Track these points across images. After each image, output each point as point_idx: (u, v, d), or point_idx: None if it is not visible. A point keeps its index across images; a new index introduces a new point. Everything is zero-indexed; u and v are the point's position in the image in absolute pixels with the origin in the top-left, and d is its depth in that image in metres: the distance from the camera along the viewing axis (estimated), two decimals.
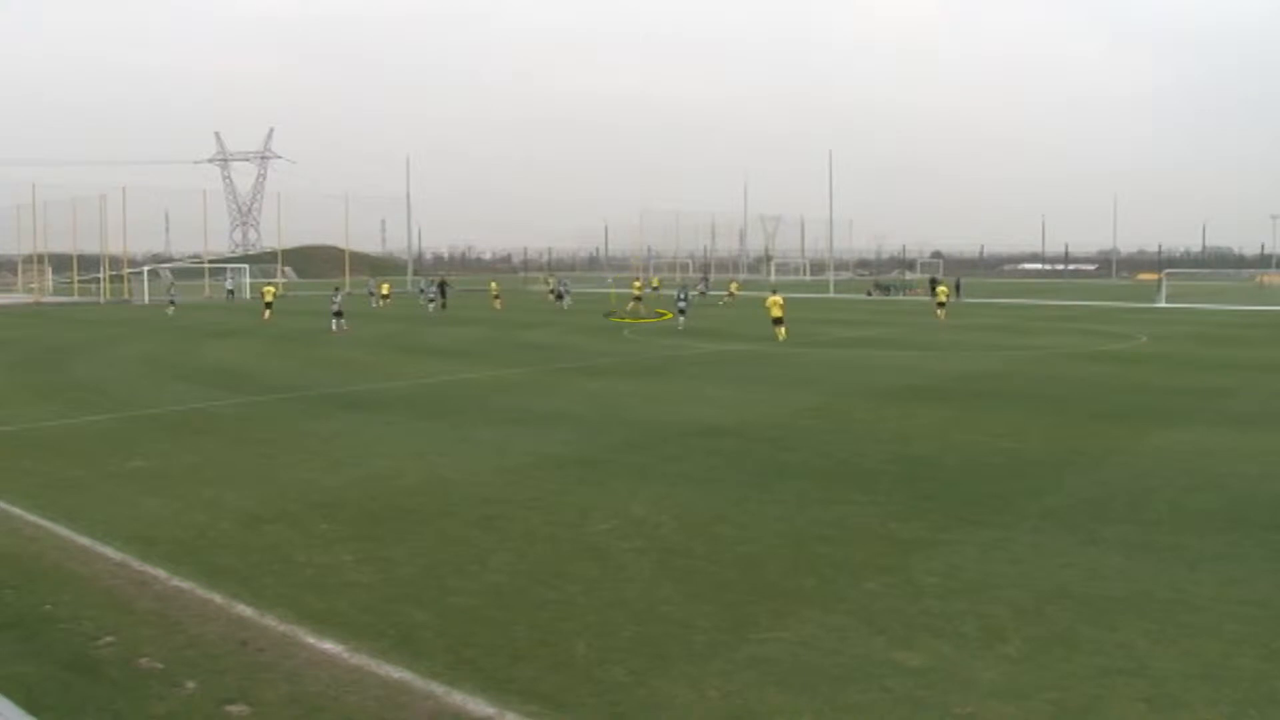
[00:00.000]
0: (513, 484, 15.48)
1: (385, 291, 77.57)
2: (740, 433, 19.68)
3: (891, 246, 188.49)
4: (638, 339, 42.57)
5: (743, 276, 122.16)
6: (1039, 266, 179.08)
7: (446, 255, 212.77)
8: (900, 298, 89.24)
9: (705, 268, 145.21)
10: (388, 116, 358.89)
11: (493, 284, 77.64)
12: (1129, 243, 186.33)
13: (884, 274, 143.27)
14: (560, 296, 73.17)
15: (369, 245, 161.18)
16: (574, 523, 13.17)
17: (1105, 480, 15.60)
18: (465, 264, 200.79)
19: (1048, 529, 12.75)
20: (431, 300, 67.93)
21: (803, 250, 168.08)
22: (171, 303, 70.38)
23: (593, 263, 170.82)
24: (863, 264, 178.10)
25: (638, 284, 71.66)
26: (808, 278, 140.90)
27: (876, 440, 18.89)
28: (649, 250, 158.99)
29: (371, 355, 36.79)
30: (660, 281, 76.53)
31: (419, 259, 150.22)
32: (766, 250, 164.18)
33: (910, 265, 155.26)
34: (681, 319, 48.25)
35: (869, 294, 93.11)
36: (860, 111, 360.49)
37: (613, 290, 76.62)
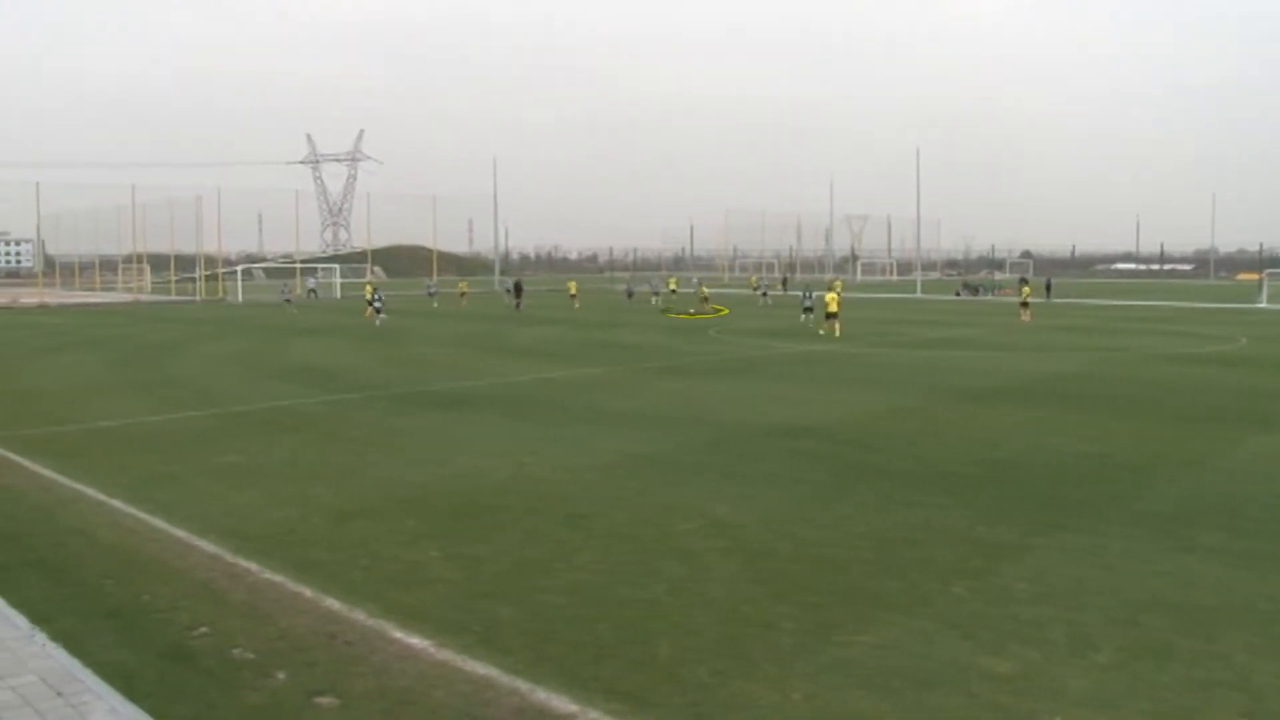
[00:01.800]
0: (597, 483, 15.55)
1: (464, 290, 78.22)
2: (824, 433, 19.56)
3: (980, 246, 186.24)
4: (722, 339, 42.48)
5: (828, 276, 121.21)
6: (1133, 266, 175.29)
7: (533, 255, 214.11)
8: (989, 298, 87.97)
9: (789, 268, 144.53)
10: (476, 118, 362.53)
11: (571, 284, 78.04)
12: (1228, 241, 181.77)
13: (972, 274, 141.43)
14: (630, 294, 73.23)
15: (456, 245, 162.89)
16: (658, 522, 13.20)
17: (1200, 486, 15.25)
18: (551, 264, 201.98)
19: (1140, 535, 12.49)
20: (509, 292, 68.48)
21: (889, 250, 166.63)
22: (287, 300, 71.89)
23: (678, 263, 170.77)
24: (951, 264, 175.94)
25: (673, 282, 71.83)
26: (894, 278, 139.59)
27: (962, 442, 18.66)
28: (734, 250, 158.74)
29: (456, 354, 37.17)
30: (677, 282, 76.36)
31: (505, 259, 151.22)
32: (853, 250, 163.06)
33: (999, 265, 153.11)
34: (806, 317, 48.08)
35: (957, 294, 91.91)
36: (948, 109, 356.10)
37: (702, 288, 76.46)
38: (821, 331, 43.69)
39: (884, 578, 10.90)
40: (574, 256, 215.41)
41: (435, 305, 73.54)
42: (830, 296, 44.78)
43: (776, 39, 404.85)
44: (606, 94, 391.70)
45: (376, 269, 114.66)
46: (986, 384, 27.34)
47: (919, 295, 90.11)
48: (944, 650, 8.84)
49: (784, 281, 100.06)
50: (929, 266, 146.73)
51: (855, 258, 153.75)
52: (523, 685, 8.17)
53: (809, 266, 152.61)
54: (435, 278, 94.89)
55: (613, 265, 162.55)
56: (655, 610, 9.95)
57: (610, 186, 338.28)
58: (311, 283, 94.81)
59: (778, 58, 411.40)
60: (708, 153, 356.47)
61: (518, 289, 69.67)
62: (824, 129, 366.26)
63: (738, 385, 27.47)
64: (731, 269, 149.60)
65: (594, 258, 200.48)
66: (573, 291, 72.70)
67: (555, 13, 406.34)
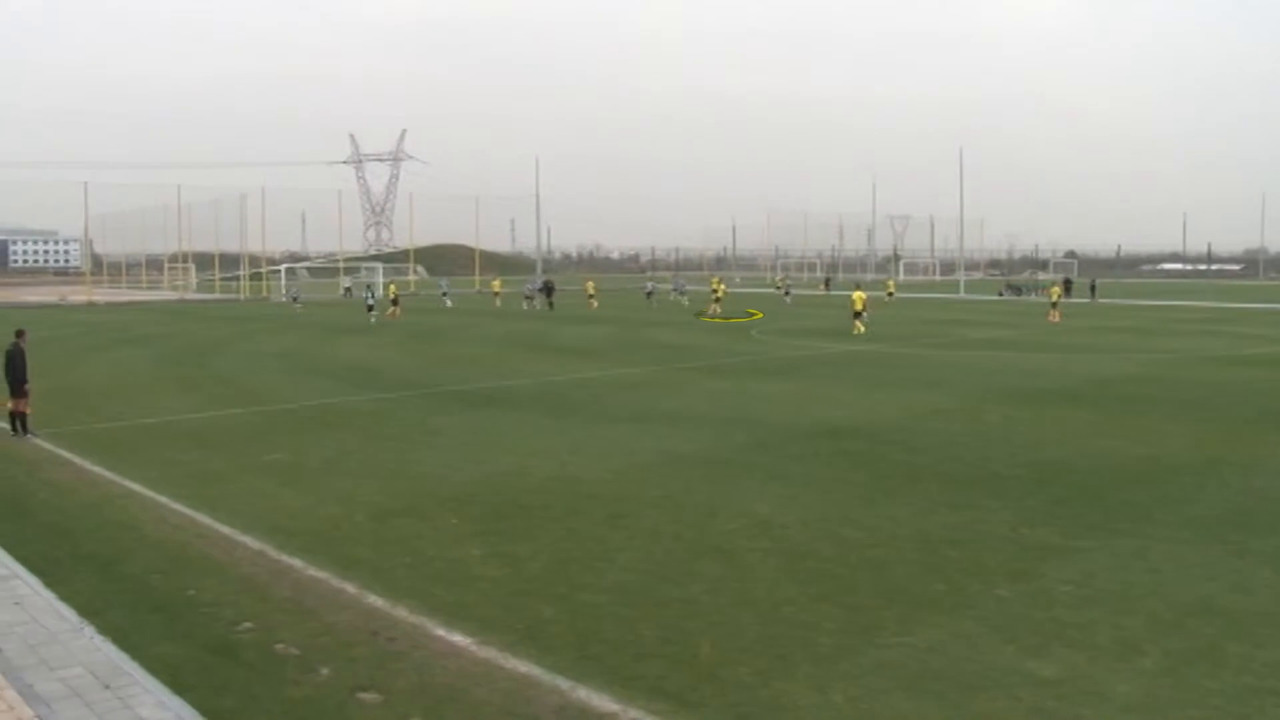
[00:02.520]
0: (639, 482, 15.56)
1: (497, 289, 78.42)
2: (867, 434, 19.46)
3: (1024, 246, 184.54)
4: (764, 339, 42.38)
5: (869, 276, 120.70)
6: (1179, 267, 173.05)
7: (575, 254, 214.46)
8: (1032, 298, 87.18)
9: (831, 268, 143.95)
10: (519, 117, 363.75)
11: (588, 284, 77.98)
12: (1279, 240, 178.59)
13: (1016, 274, 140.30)
14: (650, 294, 73.05)
15: (499, 244, 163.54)
16: (700, 522, 13.18)
17: (1253, 489, 15.04)
18: (593, 263, 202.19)
19: (1189, 539, 12.33)
20: (529, 298, 68.56)
21: (932, 250, 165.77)
22: (295, 299, 72.06)
23: (720, 262, 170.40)
24: (994, 264, 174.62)
25: (720, 286, 71.59)
26: (937, 278, 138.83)
27: (1007, 444, 18.50)
28: (776, 250, 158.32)
29: (497, 353, 37.29)
30: (719, 282, 76.46)
31: (547, 258, 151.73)
32: (895, 250, 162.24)
33: (1043, 265, 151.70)
34: (864, 316, 47.97)
35: (1000, 294, 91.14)
36: (992, 109, 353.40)
37: (721, 288, 76.14)
38: (855, 332, 43.65)
39: (927, 579, 10.83)
40: (615, 256, 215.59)
41: (449, 304, 73.69)
42: (857, 295, 44.98)
43: (821, 36, 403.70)
44: (650, 92, 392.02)
45: (419, 268, 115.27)
46: (1031, 385, 27.09)
47: (962, 295, 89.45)
48: (988, 653, 8.77)
49: (826, 282, 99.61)
50: (972, 266, 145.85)
51: (898, 258, 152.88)
52: (564, 684, 8.18)
53: (851, 267, 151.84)
54: (477, 276, 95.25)
55: (654, 265, 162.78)
56: (696, 610, 9.94)
57: (653, 186, 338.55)
58: (348, 281, 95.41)
59: (822, 55, 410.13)
60: (751, 152, 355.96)
61: (548, 289, 69.98)
62: (867, 128, 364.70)
63: (780, 385, 27.39)
64: (773, 269, 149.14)
65: (635, 257, 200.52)
66: (590, 291, 72.64)
67: (600, 11, 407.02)
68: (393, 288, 66.22)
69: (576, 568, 11.33)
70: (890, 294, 78.15)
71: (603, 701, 7.87)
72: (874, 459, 17.27)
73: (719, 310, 60.93)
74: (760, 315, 56.70)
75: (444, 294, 79.35)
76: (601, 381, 28.40)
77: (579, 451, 18.03)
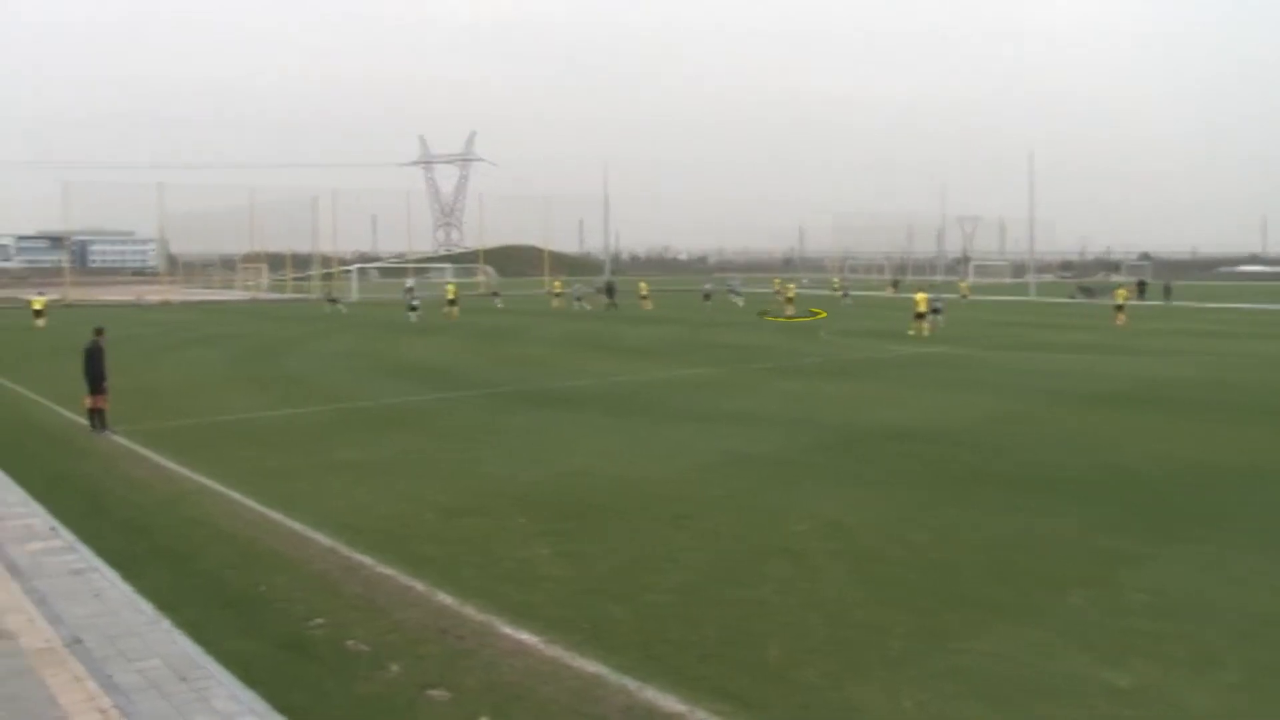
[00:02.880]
0: (705, 483, 15.54)
1: (557, 290, 78.70)
2: (936, 437, 19.29)
3: (1096, 247, 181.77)
4: (832, 340, 42.15)
5: (939, 278, 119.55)
6: (1259, 269, 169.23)
7: (643, 255, 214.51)
8: (1104, 301, 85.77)
9: (900, 270, 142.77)
10: (588, 118, 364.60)
11: (641, 284, 77.86)
12: None
13: (1088, 276, 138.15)
14: (707, 296, 72.64)
15: (568, 245, 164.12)
16: (766, 523, 13.14)
17: None
18: (662, 264, 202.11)
19: (1269, 548, 12.08)
20: (579, 299, 69.09)
21: (1002, 252, 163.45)
22: (334, 301, 72.09)
23: (788, 263, 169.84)
24: (1066, 266, 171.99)
25: (791, 287, 71.21)
26: (1007, 280, 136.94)
27: (1077, 448, 18.24)
28: (845, 252, 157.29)
29: (564, 353, 37.44)
30: (782, 283, 75.53)
31: (616, 259, 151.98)
32: (964, 252, 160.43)
33: (1115, 267, 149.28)
34: (939, 318, 47.62)
35: (1072, 297, 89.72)
36: (1065, 108, 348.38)
37: (789, 288, 75.66)
38: (911, 332, 43.40)
39: (997, 584, 10.71)
40: (684, 257, 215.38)
41: (499, 304, 73.94)
42: (920, 296, 44.89)
43: (888, 37, 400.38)
44: (718, 93, 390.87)
45: (488, 268, 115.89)
46: (1103, 388, 26.68)
47: (1033, 298, 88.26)
48: (1060, 661, 8.65)
49: (895, 284, 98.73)
50: (1043, 268, 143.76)
51: (967, 259, 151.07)
52: (631, 683, 8.20)
53: (920, 269, 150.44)
54: (547, 277, 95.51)
55: (722, 266, 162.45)
56: (764, 611, 9.91)
57: (721, 186, 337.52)
58: (410, 283, 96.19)
59: (889, 57, 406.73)
60: (819, 153, 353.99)
61: (611, 289, 70.42)
62: (936, 129, 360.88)
63: (848, 387, 27.22)
64: (841, 270, 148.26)
65: (704, 258, 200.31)
66: (643, 292, 72.56)
67: (668, 12, 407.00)
68: (450, 288, 66.69)
69: (643, 568, 11.34)
70: (964, 296, 77.42)
71: (669, 702, 7.87)
72: (942, 462, 17.12)
73: (791, 311, 60.73)
74: (824, 315, 56.42)
75: (494, 294, 79.75)
76: (667, 382, 28.40)
77: (645, 452, 18.05)
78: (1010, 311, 65.82)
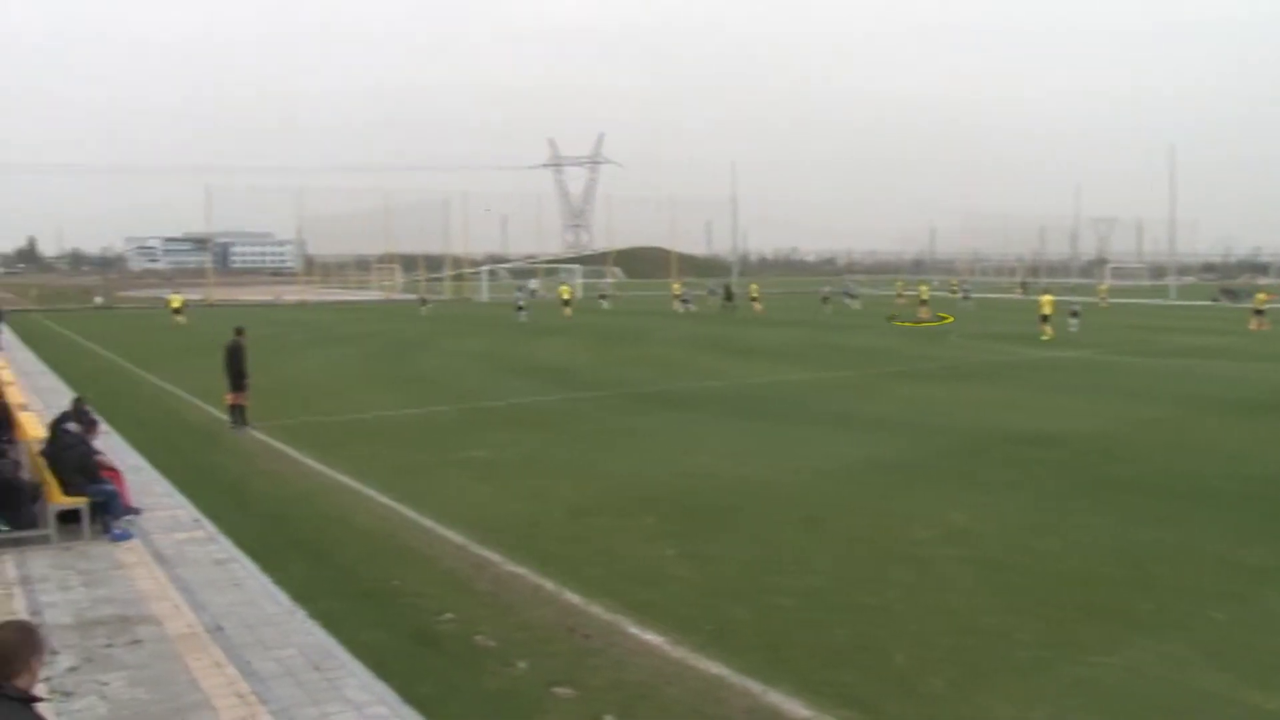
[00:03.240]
0: (832, 486, 15.42)
1: (678, 291, 78.61)
2: (1068, 443, 18.81)
3: (1242, 249, 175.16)
4: (961, 343, 41.41)
5: (1073, 281, 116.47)
6: None
7: (770, 257, 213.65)
8: (1249, 305, 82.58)
9: (1032, 272, 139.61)
10: (716, 119, 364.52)
11: (753, 286, 77.35)
12: None
13: (1232, 278, 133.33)
14: (826, 299, 71.80)
15: (695, 247, 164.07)
16: (894, 528, 12.98)
17: None
18: (789, 266, 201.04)
19: None
20: (686, 302, 69.54)
21: (1139, 254, 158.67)
22: (424, 301, 72.47)
23: (918, 266, 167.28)
24: (1208, 268, 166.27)
25: (924, 288, 70.09)
26: (1145, 282, 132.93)
27: (1218, 456, 17.62)
28: (975, 254, 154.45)
29: (688, 355, 37.45)
30: (904, 285, 73.72)
31: (743, 260, 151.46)
32: (1099, 254, 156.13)
33: (1263, 269, 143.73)
34: (1076, 322, 46.62)
35: (1215, 300, 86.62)
36: (1208, 104, 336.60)
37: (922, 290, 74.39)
38: (1043, 337, 42.39)
39: (1133, 596, 10.40)
40: (811, 259, 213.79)
41: (606, 305, 74.17)
42: (1045, 299, 44.00)
43: (1018, 35, 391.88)
44: (846, 93, 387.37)
45: (616, 269, 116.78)
46: (1246, 395, 25.72)
47: (1173, 301, 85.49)
48: (1201, 679, 8.36)
49: (1023, 286, 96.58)
50: (1184, 271, 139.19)
51: (1103, 262, 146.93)
52: (755, 686, 8.18)
53: (1053, 271, 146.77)
54: (674, 278, 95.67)
55: (851, 268, 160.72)
56: (890, 617, 9.80)
57: (850, 188, 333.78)
58: (534, 283, 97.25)
59: (1021, 54, 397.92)
60: (949, 153, 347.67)
61: (728, 292, 70.58)
62: (1069, 128, 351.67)
63: (978, 391, 26.71)
64: (972, 273, 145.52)
65: (831, 260, 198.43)
66: (754, 294, 72.09)
67: (794, 12, 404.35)
68: (564, 290, 67.74)
69: (768, 570, 11.30)
70: (1103, 299, 75.38)
71: (794, 707, 7.84)
72: (1076, 469, 16.69)
73: (925, 314, 59.92)
74: (951, 319, 55.49)
75: (600, 296, 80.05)
76: (793, 384, 28.23)
77: (771, 454, 17.97)
78: (1148, 315, 63.82)
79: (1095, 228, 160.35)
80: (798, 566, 11.46)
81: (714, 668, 8.56)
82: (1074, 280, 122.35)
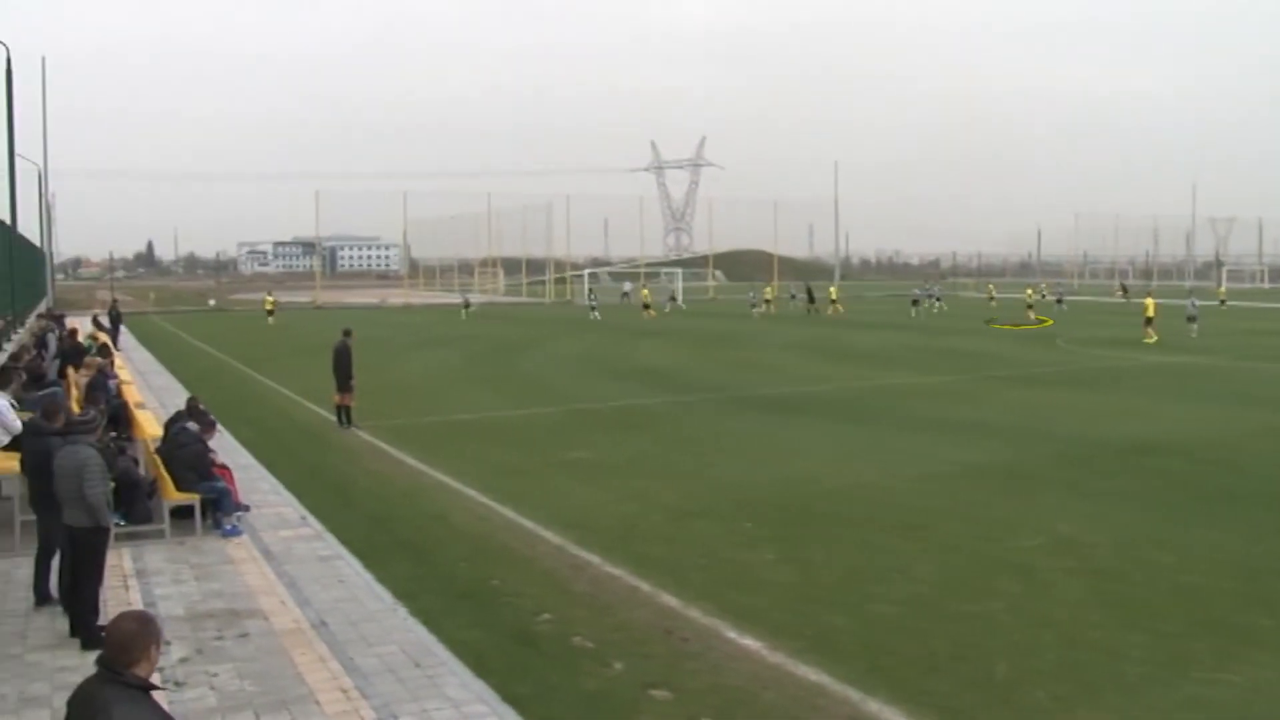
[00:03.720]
0: (935, 493, 15.19)
1: (768, 296, 77.99)
2: (1185, 452, 18.27)
3: None
4: (1069, 348, 40.50)
5: (1188, 284, 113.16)
6: None
7: (873, 260, 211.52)
8: None
9: (1145, 274, 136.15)
10: (817, 120, 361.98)
11: (832, 289, 76.47)
12: None
13: None
14: (916, 303, 70.24)
15: (796, 249, 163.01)
16: (998, 536, 12.74)
17: None
18: (892, 269, 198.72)
19: None
20: (754, 305, 69.53)
21: (1260, 255, 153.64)
22: (466, 306, 70.89)
23: (1024, 268, 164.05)
24: None
25: (1030, 291, 68.62)
26: (1265, 285, 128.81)
27: None
28: (1084, 256, 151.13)
29: (792, 359, 37.20)
30: (1034, 291, 72.19)
31: (845, 263, 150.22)
32: (1217, 255, 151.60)
33: None
34: (1193, 326, 45.47)
35: None
36: None
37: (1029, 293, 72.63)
38: (1147, 340, 41.29)
39: (1252, 612, 10.05)
40: (915, 261, 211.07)
41: (667, 309, 72.16)
42: (1149, 302, 43.05)
43: (1127, 26, 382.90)
44: (950, 92, 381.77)
45: (717, 273, 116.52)
46: None
47: None
48: None
49: (1124, 289, 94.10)
50: None
51: (1220, 264, 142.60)
52: (854, 694, 8.08)
53: (1166, 273, 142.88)
54: (775, 281, 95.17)
55: (955, 270, 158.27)
56: (993, 627, 9.61)
57: (954, 188, 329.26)
58: (628, 286, 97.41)
59: (1130, 48, 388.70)
60: (1057, 152, 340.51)
61: (810, 295, 70.60)
62: (1183, 124, 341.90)
63: (1087, 396, 26.10)
64: (1081, 275, 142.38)
65: (936, 262, 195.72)
66: (834, 297, 71.37)
67: (896, 11, 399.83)
68: (645, 293, 68.47)
69: (869, 577, 11.17)
70: (1221, 302, 73.24)
71: (893, 716, 7.73)
72: (1191, 479, 16.21)
73: (1031, 316, 58.87)
74: (1050, 323, 54.38)
75: (670, 299, 79.60)
76: (897, 389, 27.89)
77: (874, 459, 17.78)
78: (1270, 319, 61.80)
79: (1213, 228, 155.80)
80: (898, 573, 11.31)
81: (812, 674, 8.48)
82: (1189, 283, 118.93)
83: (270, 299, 64.91)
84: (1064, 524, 13.29)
